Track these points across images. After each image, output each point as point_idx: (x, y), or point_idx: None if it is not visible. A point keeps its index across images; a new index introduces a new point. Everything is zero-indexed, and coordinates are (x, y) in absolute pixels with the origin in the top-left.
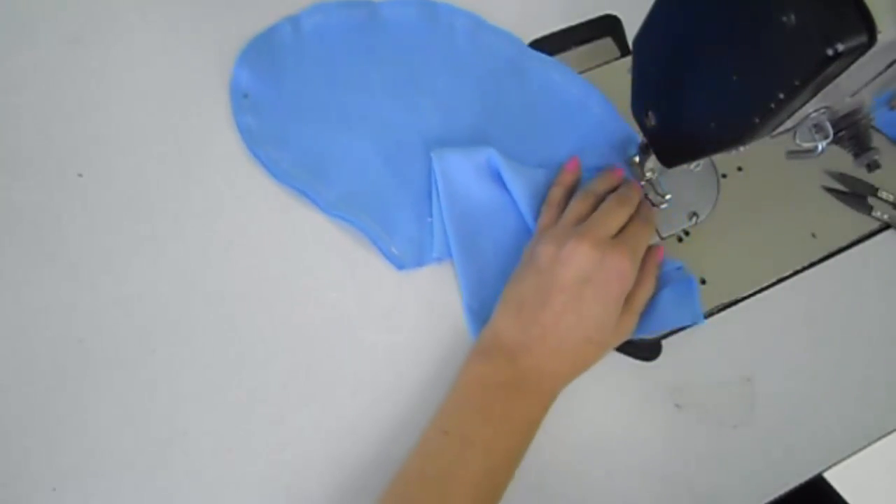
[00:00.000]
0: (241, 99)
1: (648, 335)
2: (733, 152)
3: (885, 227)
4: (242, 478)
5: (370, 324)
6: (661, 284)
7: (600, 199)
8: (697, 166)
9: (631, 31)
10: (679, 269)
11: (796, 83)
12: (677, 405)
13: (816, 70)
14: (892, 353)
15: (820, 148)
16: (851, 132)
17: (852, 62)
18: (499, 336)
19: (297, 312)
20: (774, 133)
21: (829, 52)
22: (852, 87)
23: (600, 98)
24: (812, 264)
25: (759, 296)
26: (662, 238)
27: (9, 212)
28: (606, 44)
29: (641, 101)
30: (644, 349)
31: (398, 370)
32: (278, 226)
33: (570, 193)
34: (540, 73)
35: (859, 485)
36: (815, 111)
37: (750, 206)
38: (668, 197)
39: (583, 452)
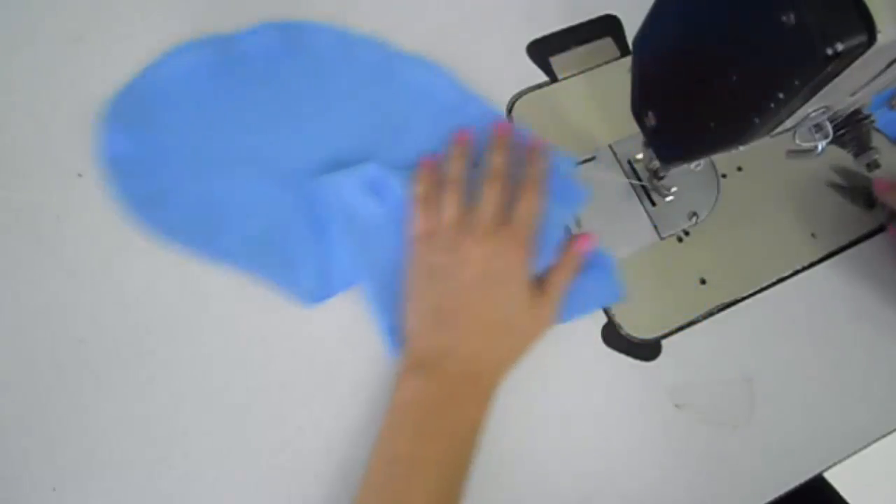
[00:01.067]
0: (111, 164)
1: (575, 318)
2: (733, 152)
3: (874, 232)
4: (242, 477)
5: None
6: (581, 269)
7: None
8: (698, 166)
9: (631, 31)
10: (599, 254)
11: (796, 83)
12: (677, 405)
13: (816, 70)
14: (891, 353)
15: (820, 148)
16: (851, 132)
17: (852, 62)
18: (421, 351)
19: (291, 316)
20: (774, 133)
21: (829, 52)
22: (852, 87)
23: (465, 93)
24: (812, 264)
25: (759, 296)
26: (662, 238)
27: (9, 212)
28: (606, 44)
29: (641, 101)
30: (644, 349)
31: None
32: None
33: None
34: (409, 74)
35: (859, 485)
36: (815, 111)
37: (750, 206)
38: (673, 189)
39: (583, 452)
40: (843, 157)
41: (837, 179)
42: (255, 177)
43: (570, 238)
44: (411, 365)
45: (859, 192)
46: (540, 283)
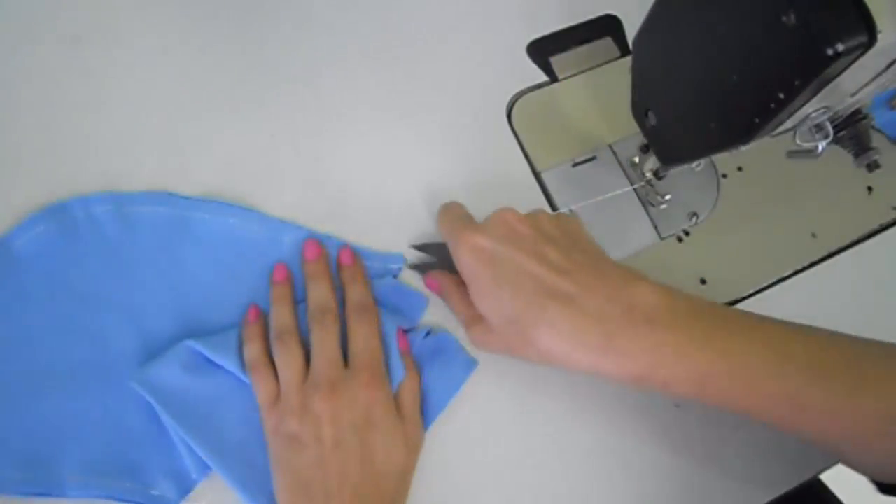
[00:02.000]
0: None
1: (439, 415)
2: (733, 152)
3: (887, 226)
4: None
5: None
6: (421, 363)
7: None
8: (698, 166)
9: (631, 31)
10: (426, 334)
11: (796, 83)
12: (677, 405)
13: (816, 70)
14: None
15: (820, 148)
16: (851, 132)
17: (852, 62)
18: None
19: None
20: (774, 133)
21: (829, 52)
22: (852, 87)
23: (285, 225)
24: (812, 264)
25: (759, 296)
26: (662, 238)
27: (9, 211)
28: (606, 44)
29: (641, 101)
30: None
31: None
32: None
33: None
34: (210, 221)
35: (855, 487)
36: (815, 111)
37: (750, 206)
38: (667, 197)
39: (583, 452)
40: (846, 155)
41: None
42: (74, 388)
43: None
44: None
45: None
46: (396, 401)
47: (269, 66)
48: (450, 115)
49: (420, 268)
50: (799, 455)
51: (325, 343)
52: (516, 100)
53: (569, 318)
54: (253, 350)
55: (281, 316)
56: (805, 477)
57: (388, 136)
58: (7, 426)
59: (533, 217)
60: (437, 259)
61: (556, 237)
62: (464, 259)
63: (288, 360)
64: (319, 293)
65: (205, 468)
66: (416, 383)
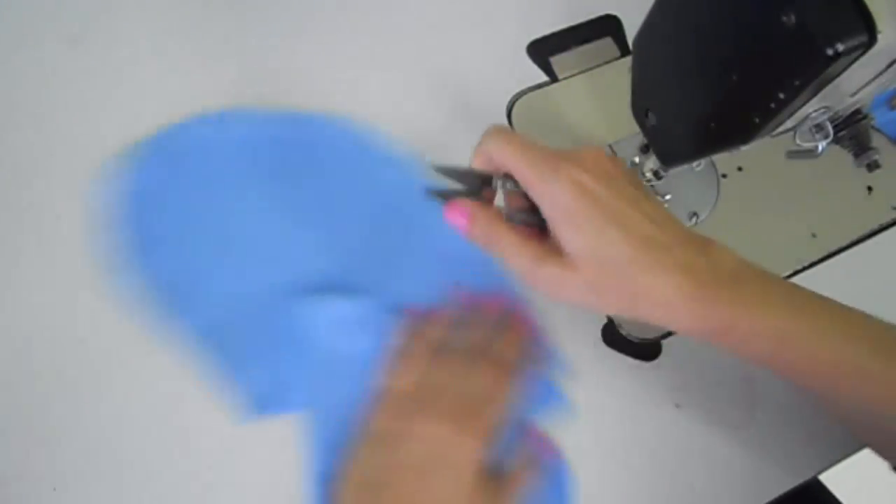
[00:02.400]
0: (126, 198)
1: None
2: (733, 152)
3: (887, 226)
4: (243, 477)
5: None
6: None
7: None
8: (698, 166)
9: (631, 31)
10: (557, 463)
11: (796, 83)
12: (677, 405)
13: (816, 70)
14: None
15: (820, 148)
16: (851, 132)
17: (852, 62)
18: None
19: None
20: (774, 133)
21: (829, 52)
22: (852, 87)
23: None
24: (812, 264)
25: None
26: None
27: (9, 212)
28: (606, 44)
29: (641, 101)
30: (644, 349)
31: None
32: None
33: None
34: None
35: (854, 487)
36: (815, 111)
37: (750, 206)
38: (667, 197)
39: (583, 452)
40: (846, 155)
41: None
42: (243, 267)
43: (534, 439)
44: None
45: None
46: (494, 480)
47: (269, 65)
48: (450, 115)
49: (441, 195)
50: (799, 455)
51: (457, 378)
52: (516, 100)
53: (671, 267)
54: (399, 341)
55: (434, 334)
56: (805, 477)
57: (389, 135)
58: (183, 252)
59: (621, 162)
60: (466, 187)
61: (639, 186)
62: (564, 190)
63: (413, 370)
64: (479, 337)
65: (293, 408)
66: (524, 484)
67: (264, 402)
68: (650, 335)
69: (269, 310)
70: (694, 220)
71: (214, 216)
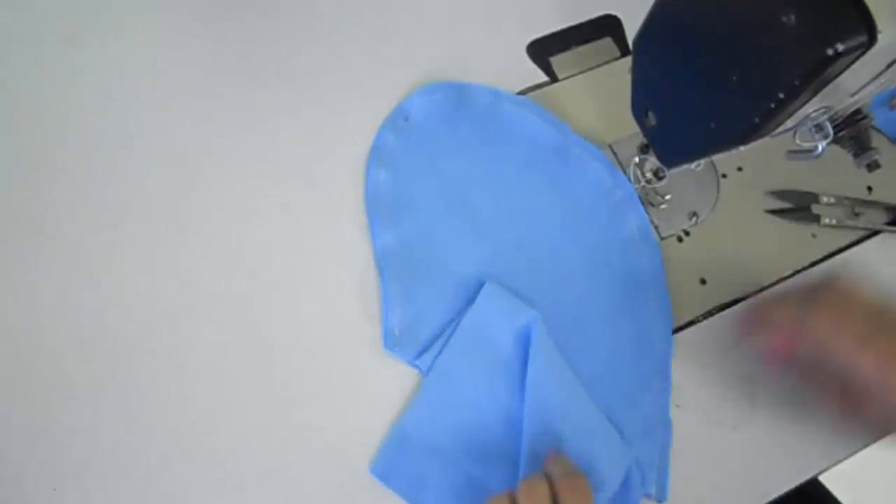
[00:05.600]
0: (399, 122)
1: None
2: (733, 152)
3: (874, 232)
4: (243, 477)
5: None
6: None
7: None
8: (698, 166)
9: (631, 31)
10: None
11: (796, 83)
12: (677, 405)
13: (816, 70)
14: None
15: (820, 148)
16: (851, 132)
17: (852, 62)
18: None
19: (297, 315)
20: (774, 133)
21: (829, 52)
22: (852, 87)
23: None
24: (812, 264)
25: (759, 296)
26: (662, 238)
27: (9, 212)
28: (606, 44)
29: (641, 101)
30: None
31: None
32: (279, 231)
33: None
34: (584, 165)
35: (854, 488)
36: (815, 111)
37: (750, 206)
38: (668, 197)
39: None
40: (846, 155)
41: (777, 204)
42: (465, 234)
43: None
44: None
45: (803, 211)
46: None
47: (270, 65)
48: None
49: None
50: (799, 455)
51: None
52: None
53: None
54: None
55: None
56: (805, 477)
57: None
58: (423, 215)
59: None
60: None
61: None
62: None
63: None
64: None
65: (426, 368)
66: None
67: (409, 349)
68: None
69: (464, 274)
70: (694, 220)
71: (447, 187)
